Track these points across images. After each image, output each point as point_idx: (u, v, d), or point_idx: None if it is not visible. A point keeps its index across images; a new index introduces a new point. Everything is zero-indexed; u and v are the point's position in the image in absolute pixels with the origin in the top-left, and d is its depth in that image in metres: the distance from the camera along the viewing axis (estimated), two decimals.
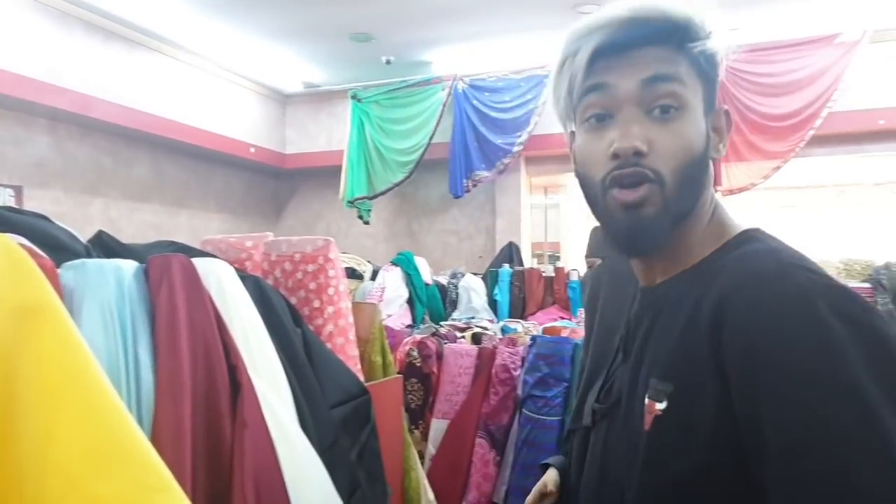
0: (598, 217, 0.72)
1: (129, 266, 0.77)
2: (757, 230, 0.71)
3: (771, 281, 0.59)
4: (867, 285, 2.27)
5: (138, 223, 5.54)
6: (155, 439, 0.67)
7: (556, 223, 6.91)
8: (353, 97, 6.18)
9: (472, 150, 5.78)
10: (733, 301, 0.60)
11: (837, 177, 5.50)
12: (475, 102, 5.78)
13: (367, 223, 6.26)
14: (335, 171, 6.21)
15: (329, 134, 6.76)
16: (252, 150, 6.50)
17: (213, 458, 0.74)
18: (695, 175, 0.68)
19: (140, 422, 0.69)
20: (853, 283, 2.29)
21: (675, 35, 0.67)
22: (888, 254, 2.38)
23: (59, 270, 0.70)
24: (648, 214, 0.67)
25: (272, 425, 0.83)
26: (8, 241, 0.58)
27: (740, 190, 5.23)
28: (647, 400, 0.65)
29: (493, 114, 5.74)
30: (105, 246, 0.99)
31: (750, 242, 0.67)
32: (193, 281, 0.80)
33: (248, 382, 0.80)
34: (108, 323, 0.71)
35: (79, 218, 4.91)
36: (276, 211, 7.40)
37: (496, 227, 6.22)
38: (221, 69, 6.11)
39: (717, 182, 5.19)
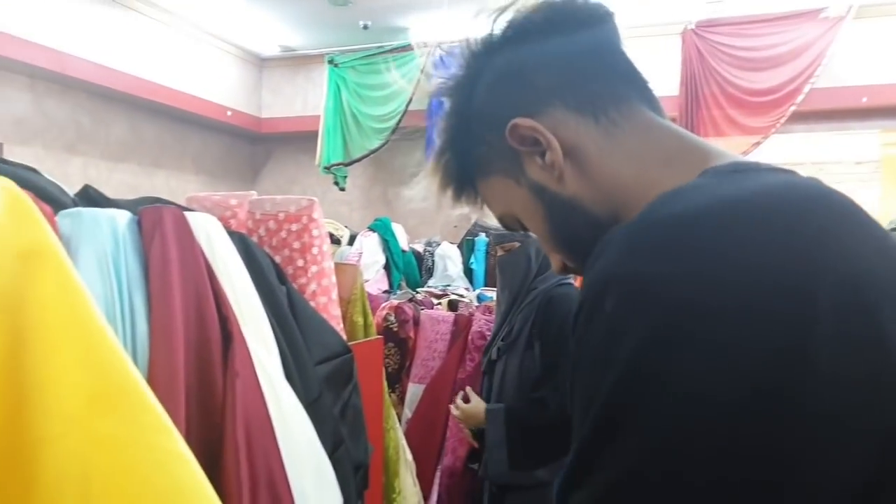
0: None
1: (122, 216, 0.78)
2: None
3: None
4: None
5: (116, 183, 5.45)
6: (150, 385, 0.69)
7: None
8: (330, 62, 6.10)
9: None
10: None
11: (818, 154, 5.61)
12: (453, 70, 5.75)
13: (342, 189, 6.24)
14: (311, 136, 6.15)
15: (305, 99, 6.68)
16: (229, 113, 6.40)
17: (206, 405, 0.76)
18: (564, 236, 0.61)
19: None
20: None
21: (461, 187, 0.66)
22: None
23: (56, 219, 0.71)
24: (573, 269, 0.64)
25: (261, 376, 0.86)
26: (11, 186, 0.59)
27: None
28: None
29: None
30: (91, 200, 0.99)
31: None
32: (185, 233, 0.81)
33: (239, 333, 0.82)
34: (104, 271, 0.72)
35: (58, 176, 4.77)
36: (252, 175, 7.32)
37: None
38: (200, 31, 5.97)
39: None
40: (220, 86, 6.32)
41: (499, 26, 0.62)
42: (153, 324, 0.73)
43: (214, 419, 0.76)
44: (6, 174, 0.82)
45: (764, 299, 0.38)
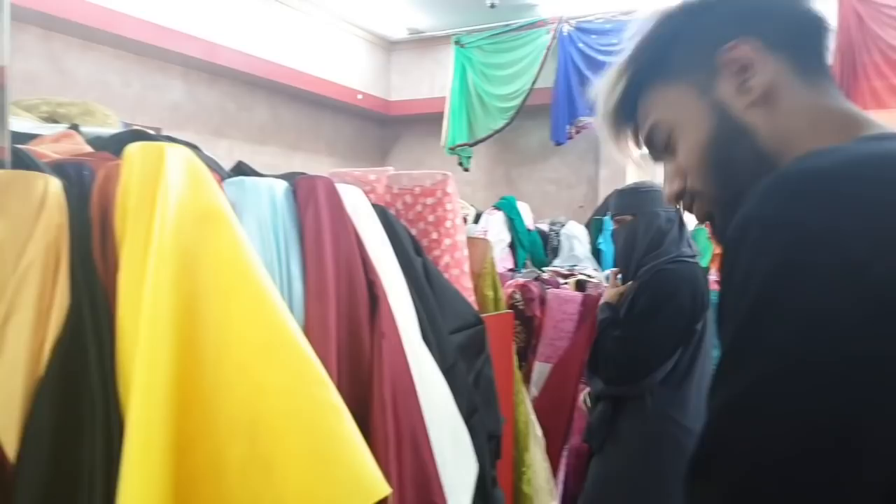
0: None
1: (280, 185, 0.83)
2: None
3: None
4: None
5: (258, 165, 5.79)
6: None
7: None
8: (457, 42, 6.13)
9: (577, 96, 5.60)
10: None
11: None
12: (581, 45, 5.57)
13: (466, 170, 6.29)
14: (438, 118, 6.24)
15: (432, 80, 6.78)
16: (359, 96, 6.65)
17: (355, 362, 0.80)
18: (721, 156, 0.64)
19: None
20: None
21: (628, 97, 0.70)
22: None
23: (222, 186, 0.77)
24: (717, 221, 0.68)
25: (403, 340, 0.89)
26: (190, 154, 0.65)
27: None
28: None
29: (601, 57, 5.51)
30: (244, 174, 1.07)
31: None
32: (336, 202, 0.85)
33: (385, 297, 0.86)
34: (264, 234, 0.77)
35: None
36: (381, 157, 7.58)
37: (599, 176, 6.06)
38: (333, 17, 6.25)
39: None
40: (351, 70, 6.58)
41: None
42: (308, 285, 0.78)
43: (363, 376, 0.80)
44: None
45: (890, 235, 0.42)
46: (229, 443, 0.61)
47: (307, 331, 0.77)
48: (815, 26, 0.65)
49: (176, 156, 0.63)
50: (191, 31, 4.84)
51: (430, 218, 1.34)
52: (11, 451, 0.54)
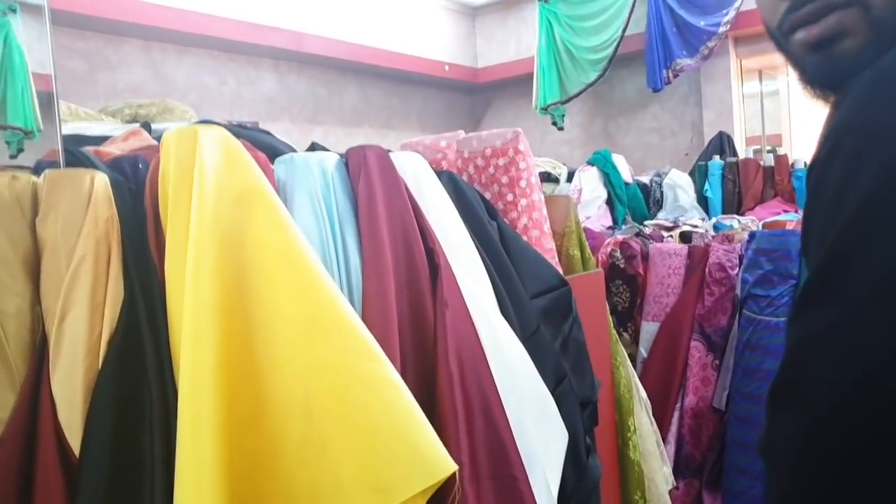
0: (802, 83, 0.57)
1: (331, 158, 0.81)
2: None
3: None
4: None
5: (349, 146, 6.01)
6: (365, 316, 0.72)
7: (775, 112, 6.04)
8: None
9: (671, 37, 5.23)
10: None
11: None
12: None
13: (561, 129, 6.07)
14: (527, 79, 6.06)
15: (518, 41, 6.59)
16: (446, 67, 6.60)
17: (418, 333, 0.78)
18: None
19: (351, 301, 0.74)
20: None
21: None
22: None
23: (272, 166, 0.76)
24: (847, 49, 0.49)
25: (472, 308, 0.85)
26: (225, 134, 0.64)
27: None
28: None
29: None
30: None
31: None
32: (389, 169, 0.82)
33: (446, 264, 0.82)
34: (317, 210, 0.76)
35: (304, 146, 5.49)
36: (473, 125, 7.52)
37: (703, 120, 5.65)
38: None
39: None
40: (436, 42, 6.53)
41: None
42: (364, 257, 0.76)
43: (427, 347, 0.77)
44: (243, 136, 0.91)
45: None
46: (286, 422, 0.60)
47: (366, 303, 0.75)
48: None
49: (210, 137, 0.63)
50: (277, 23, 4.98)
51: (504, 179, 1.28)
52: (76, 447, 0.56)
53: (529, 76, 6.03)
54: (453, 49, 6.73)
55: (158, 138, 0.95)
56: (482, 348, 0.81)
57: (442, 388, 0.74)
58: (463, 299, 0.82)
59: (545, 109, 6.06)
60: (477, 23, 6.94)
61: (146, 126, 1.04)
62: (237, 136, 0.90)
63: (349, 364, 0.61)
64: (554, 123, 6.11)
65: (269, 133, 1.09)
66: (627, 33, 5.38)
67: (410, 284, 0.78)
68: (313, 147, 1.12)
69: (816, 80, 0.54)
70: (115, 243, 0.62)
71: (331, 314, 0.63)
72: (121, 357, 0.59)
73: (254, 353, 0.60)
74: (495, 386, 0.80)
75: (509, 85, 6.86)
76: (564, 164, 3.37)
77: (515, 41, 6.65)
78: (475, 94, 7.38)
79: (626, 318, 2.67)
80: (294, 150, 1.06)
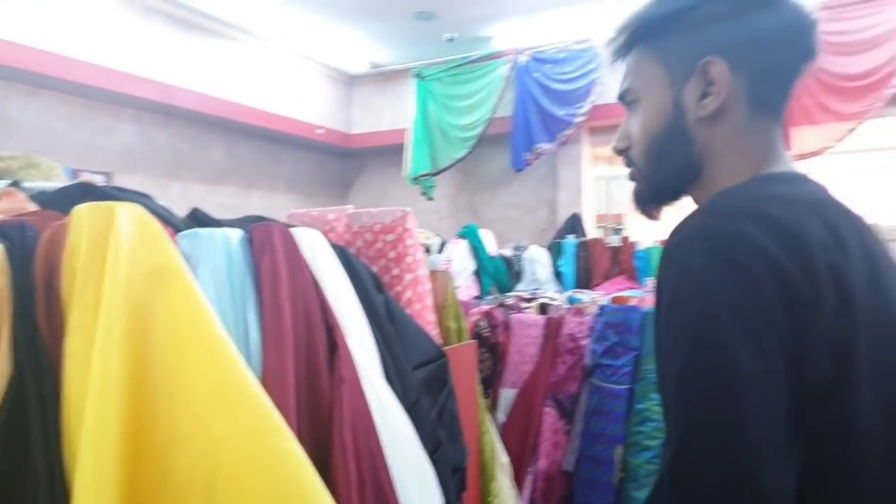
0: None
1: (235, 234, 0.84)
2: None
3: (678, 227, 0.69)
4: None
5: (215, 205, 5.82)
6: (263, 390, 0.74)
7: (620, 194, 6.77)
8: (417, 75, 6.23)
9: (534, 123, 5.74)
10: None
11: None
12: (537, 75, 5.73)
13: (430, 199, 6.34)
14: (400, 149, 6.30)
15: (393, 113, 6.85)
16: (319, 130, 6.67)
17: (315, 409, 0.81)
18: (663, 147, 0.78)
19: None
20: None
21: (628, 41, 0.80)
22: None
23: (175, 239, 0.78)
24: (635, 188, 0.84)
25: (364, 382, 0.90)
26: (140, 210, 0.66)
27: (812, 154, 4.95)
28: None
29: (555, 85, 5.67)
30: (199, 221, 1.08)
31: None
32: (292, 247, 0.86)
33: (344, 342, 0.87)
34: (220, 285, 0.78)
35: (160, 200, 5.22)
36: (342, 190, 7.58)
37: (558, 199, 6.17)
38: (291, 53, 6.28)
39: (787, 147, 4.96)
40: (311, 105, 6.61)
41: None
42: (265, 333, 0.79)
43: (323, 422, 0.80)
44: (125, 200, 0.91)
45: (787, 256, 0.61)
46: (185, 499, 0.61)
47: (265, 379, 0.77)
48: (794, 61, 0.76)
49: (126, 214, 0.64)
50: (144, 73, 4.80)
51: (391, 254, 1.36)
52: None
53: (401, 147, 6.27)
54: (327, 113, 6.84)
55: (34, 198, 0.92)
56: (374, 423, 0.86)
57: (336, 462, 0.78)
58: (358, 374, 0.87)
59: (416, 180, 6.30)
60: (354, 91, 7.13)
61: (15, 184, 0.99)
62: (115, 197, 0.90)
63: (256, 438, 0.64)
64: (424, 194, 6.35)
65: (148, 196, 1.08)
66: (496, 116, 5.83)
67: (309, 361, 0.81)
68: (195, 214, 1.12)
69: (637, 202, 0.85)
70: (6, 317, 0.60)
71: (238, 389, 0.65)
72: (4, 437, 0.56)
73: (158, 427, 0.61)
74: (385, 459, 0.85)
75: (381, 153, 7.07)
76: (437, 235, 3.53)
77: (391, 112, 6.91)
78: (346, 159, 7.49)
79: (487, 386, 2.80)
80: (175, 216, 1.06)
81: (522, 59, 5.78)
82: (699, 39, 0.74)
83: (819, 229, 0.64)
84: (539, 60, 5.72)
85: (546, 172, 6.23)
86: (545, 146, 5.73)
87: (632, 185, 0.84)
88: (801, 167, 0.78)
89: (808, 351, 0.58)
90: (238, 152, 6.20)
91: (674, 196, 0.82)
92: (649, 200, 0.83)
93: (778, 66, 0.76)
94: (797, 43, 0.75)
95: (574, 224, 4.57)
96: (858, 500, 0.61)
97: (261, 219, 1.19)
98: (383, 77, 6.88)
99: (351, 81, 7.09)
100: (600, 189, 6.63)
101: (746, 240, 0.60)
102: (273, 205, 6.51)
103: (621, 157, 0.85)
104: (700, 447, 0.56)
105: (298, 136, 6.48)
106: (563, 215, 5.85)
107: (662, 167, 0.79)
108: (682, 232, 0.66)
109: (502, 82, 5.83)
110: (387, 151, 6.84)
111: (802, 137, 4.96)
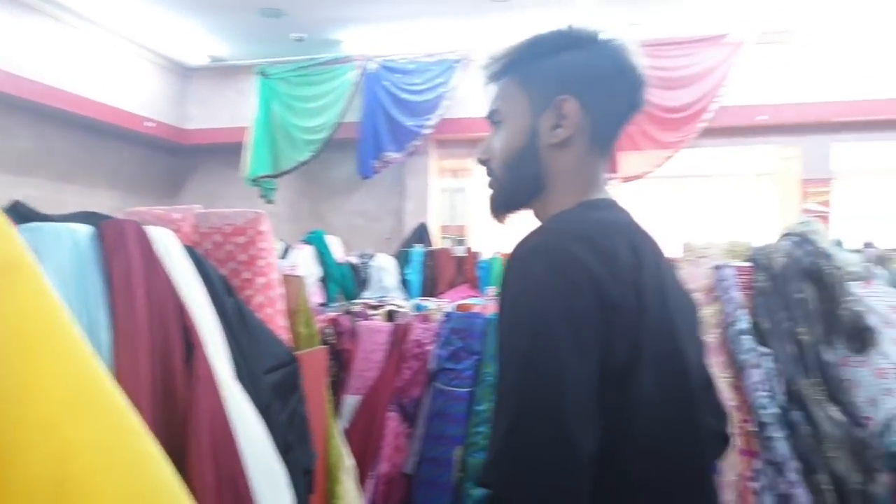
0: None
1: (83, 230, 0.79)
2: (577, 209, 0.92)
3: (522, 241, 0.83)
4: (748, 264, 2.49)
5: (21, 198, 5.14)
6: None
7: (464, 207, 7.06)
8: (261, 73, 6.04)
9: (382, 132, 5.82)
10: None
11: (723, 167, 6.06)
12: (386, 84, 5.81)
13: (270, 202, 6.15)
14: (238, 148, 6.05)
15: (233, 110, 6.56)
16: (148, 123, 6.19)
17: (170, 409, 0.78)
18: (518, 163, 0.93)
19: None
20: (736, 263, 2.52)
21: (504, 69, 0.95)
22: (766, 237, 2.67)
23: None
24: (492, 196, 0.99)
25: (220, 384, 0.88)
26: None
27: (636, 177, 5.57)
28: None
29: (404, 95, 5.80)
30: (22, 215, 0.99)
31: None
32: (147, 246, 0.83)
33: (200, 343, 0.85)
34: (66, 284, 0.73)
35: None
36: (173, 188, 7.09)
37: (404, 209, 6.30)
38: (117, 36, 5.77)
39: (613, 170, 5.54)
40: (139, 95, 6.12)
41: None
42: (118, 334, 0.75)
43: (179, 423, 0.78)
44: None
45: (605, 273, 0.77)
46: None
47: (117, 380, 0.74)
48: (627, 110, 0.93)
49: None
50: None
51: (242, 257, 1.33)
52: None
53: (240, 145, 6.03)
54: (158, 105, 6.38)
55: None
56: (229, 423, 0.85)
57: (192, 462, 0.76)
58: (213, 376, 0.85)
59: (255, 181, 6.08)
60: (190, 84, 6.72)
61: None
62: None
63: (113, 441, 0.61)
64: (263, 196, 6.15)
65: None
66: (343, 121, 5.81)
67: (164, 361, 0.78)
68: (16, 208, 1.03)
69: (490, 208, 1.00)
70: None
71: (94, 390, 0.62)
72: None
73: (2, 434, 0.56)
74: (241, 459, 0.84)
75: (218, 151, 6.72)
76: (281, 240, 3.45)
77: (230, 109, 6.60)
78: (178, 156, 7.03)
79: (332, 392, 2.79)
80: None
81: (372, 66, 5.84)
82: (560, 79, 0.90)
83: (625, 250, 0.81)
84: (389, 69, 5.81)
85: (393, 182, 6.33)
86: (393, 155, 5.83)
87: (489, 193, 0.99)
88: (615, 193, 0.98)
89: (613, 345, 0.76)
90: (51, 141, 5.56)
91: (520, 206, 0.98)
92: (501, 207, 0.99)
93: (616, 113, 0.93)
94: (632, 97, 0.93)
95: (421, 233, 4.70)
96: (641, 455, 0.78)
97: (95, 214, 1.11)
98: (223, 72, 6.57)
99: (187, 73, 6.67)
100: (445, 201, 6.87)
101: (574, 258, 0.76)
102: (91, 202, 5.91)
103: (483, 167, 0.98)
104: (532, 415, 0.71)
105: (123, 127, 5.96)
106: (409, 225, 5.98)
107: (515, 180, 0.94)
108: (525, 246, 0.81)
109: (351, 87, 5.84)
110: (224, 150, 6.53)
111: (628, 162, 5.55)
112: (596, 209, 0.91)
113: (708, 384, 1.02)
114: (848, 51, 5.34)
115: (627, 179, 5.55)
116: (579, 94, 0.89)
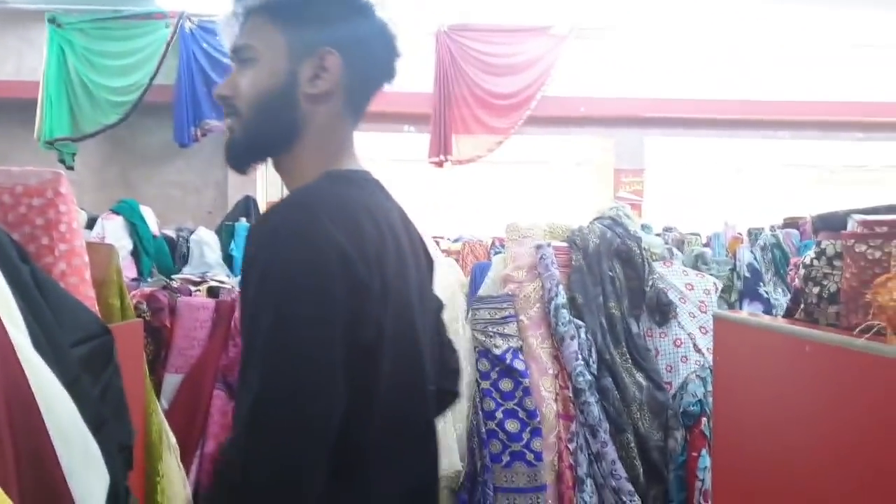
0: None
1: None
2: (327, 176, 0.89)
3: (264, 217, 0.81)
4: (565, 244, 2.81)
5: None
6: None
7: None
8: (52, 21, 5.33)
9: (202, 97, 5.43)
10: None
11: (546, 155, 6.50)
12: (205, 45, 5.42)
13: (70, 168, 5.49)
14: (29, 105, 5.32)
15: (19, 60, 5.73)
16: None
17: None
18: (271, 106, 0.87)
19: None
20: (556, 243, 2.81)
21: (263, 4, 0.89)
22: (583, 220, 3.00)
23: None
24: (231, 139, 0.91)
25: (19, 355, 0.81)
26: None
27: (468, 160, 5.74)
28: None
29: (226, 59, 5.43)
30: None
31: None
32: None
33: None
34: None
35: None
36: None
37: (228, 181, 5.97)
38: None
39: (447, 152, 5.70)
40: None
41: None
42: None
43: None
44: None
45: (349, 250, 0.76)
46: None
47: None
48: (382, 78, 0.92)
49: None
50: None
51: (39, 221, 1.20)
52: None
53: (32, 102, 5.31)
54: None
55: None
56: (32, 394, 0.78)
57: None
58: (12, 347, 0.77)
59: (51, 143, 5.40)
60: None
61: None
62: None
63: None
64: (62, 161, 5.49)
65: None
66: (157, 83, 5.32)
67: None
68: None
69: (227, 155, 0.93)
70: None
71: None
72: None
73: None
74: (48, 434, 0.77)
75: (5, 109, 5.85)
76: (83, 209, 3.11)
77: (16, 59, 5.76)
78: None
79: (150, 371, 2.61)
80: None
81: (188, 25, 5.41)
82: (327, 31, 0.86)
83: (371, 228, 0.81)
84: (207, 30, 5.42)
85: (214, 151, 5.95)
86: (214, 122, 5.47)
87: (228, 138, 0.91)
88: (365, 164, 0.95)
89: (361, 325, 0.77)
90: None
91: (267, 154, 0.93)
92: (245, 153, 0.92)
93: (373, 79, 0.92)
94: (389, 68, 0.93)
95: (248, 207, 4.46)
96: (378, 417, 0.82)
97: None
98: (5, 16, 5.70)
99: None
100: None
101: (327, 236, 0.74)
102: None
103: (222, 104, 0.91)
104: (274, 393, 0.71)
105: None
106: (234, 198, 5.68)
107: (266, 123, 0.88)
108: (274, 220, 0.77)
109: (163, 47, 5.36)
110: (10, 107, 5.70)
111: (460, 145, 5.72)
112: (345, 183, 0.88)
113: (441, 350, 1.07)
114: (660, 51, 5.91)
115: (460, 162, 5.72)
116: (342, 51, 0.87)
